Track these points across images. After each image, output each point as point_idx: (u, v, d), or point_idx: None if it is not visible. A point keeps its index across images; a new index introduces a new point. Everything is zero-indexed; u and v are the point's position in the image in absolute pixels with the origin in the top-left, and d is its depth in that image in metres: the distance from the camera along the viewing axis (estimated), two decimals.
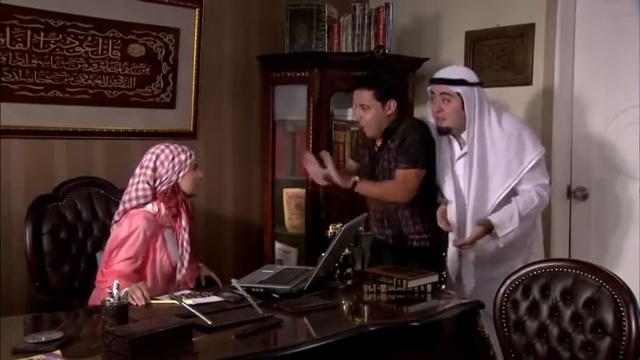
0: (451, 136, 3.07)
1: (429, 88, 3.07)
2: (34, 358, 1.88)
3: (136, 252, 2.65)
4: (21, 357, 1.88)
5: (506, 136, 2.97)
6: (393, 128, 3.06)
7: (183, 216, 2.81)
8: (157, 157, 2.77)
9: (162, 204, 2.76)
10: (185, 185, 2.80)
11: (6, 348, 1.96)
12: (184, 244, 2.77)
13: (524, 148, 2.96)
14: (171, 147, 2.81)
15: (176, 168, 2.77)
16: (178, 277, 2.75)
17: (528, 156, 2.95)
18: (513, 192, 2.97)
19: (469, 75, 3.03)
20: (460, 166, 3.05)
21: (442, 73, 3.05)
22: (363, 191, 3.07)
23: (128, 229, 2.67)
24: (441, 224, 3.00)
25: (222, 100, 3.93)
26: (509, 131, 2.98)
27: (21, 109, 3.16)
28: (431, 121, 3.10)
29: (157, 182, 2.75)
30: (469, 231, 2.97)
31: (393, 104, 3.05)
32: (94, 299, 2.64)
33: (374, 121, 3.06)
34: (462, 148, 3.05)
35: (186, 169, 2.78)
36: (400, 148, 3.00)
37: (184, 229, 2.79)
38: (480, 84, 3.03)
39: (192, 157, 2.82)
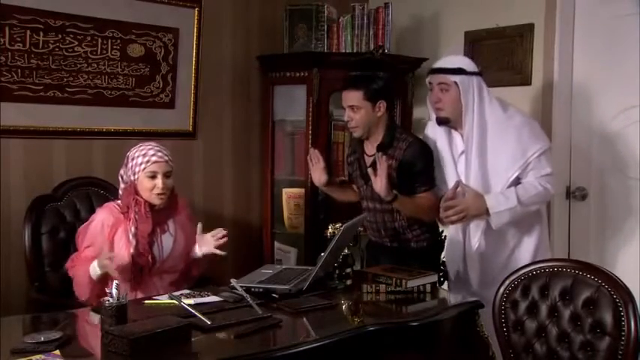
0: (453, 131, 3.02)
1: (428, 79, 3.04)
2: (33, 358, 1.88)
3: (93, 240, 2.67)
4: (20, 357, 1.88)
5: (512, 125, 2.91)
6: (388, 141, 2.99)
7: (132, 218, 2.68)
8: (131, 152, 2.77)
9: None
10: (140, 190, 2.71)
11: (5, 348, 1.95)
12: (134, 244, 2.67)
13: (529, 138, 2.90)
14: (144, 146, 2.74)
15: (132, 169, 2.72)
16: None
17: (533, 147, 2.89)
18: (517, 184, 2.91)
19: (467, 64, 2.99)
20: (462, 164, 3.00)
21: (440, 63, 3.02)
22: (400, 205, 2.94)
23: (91, 219, 2.75)
24: (445, 213, 2.87)
25: (221, 100, 3.93)
26: (514, 122, 2.93)
27: (20, 109, 3.16)
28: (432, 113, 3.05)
29: (125, 177, 2.77)
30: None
31: (382, 105, 2.97)
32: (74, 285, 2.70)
33: (363, 122, 2.98)
34: (464, 143, 2.99)
35: (139, 173, 2.69)
36: (416, 172, 2.94)
37: (130, 231, 2.68)
38: (479, 74, 2.98)
39: (150, 163, 2.68)
